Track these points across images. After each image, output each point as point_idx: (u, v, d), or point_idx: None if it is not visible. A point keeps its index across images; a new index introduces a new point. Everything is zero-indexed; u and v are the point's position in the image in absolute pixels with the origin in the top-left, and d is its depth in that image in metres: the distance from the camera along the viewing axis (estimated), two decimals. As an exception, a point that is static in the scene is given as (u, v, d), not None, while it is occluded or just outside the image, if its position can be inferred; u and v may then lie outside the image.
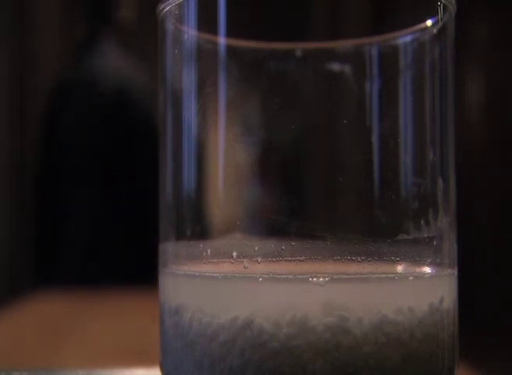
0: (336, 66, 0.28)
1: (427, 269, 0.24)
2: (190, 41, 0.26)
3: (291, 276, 0.22)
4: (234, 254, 0.23)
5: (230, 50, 0.26)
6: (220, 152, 0.25)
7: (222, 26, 0.24)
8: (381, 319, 0.21)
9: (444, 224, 0.24)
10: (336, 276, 0.22)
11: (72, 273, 1.14)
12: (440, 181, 0.24)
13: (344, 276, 0.22)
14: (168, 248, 0.26)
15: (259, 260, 0.23)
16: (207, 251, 0.24)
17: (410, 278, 0.23)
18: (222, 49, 0.25)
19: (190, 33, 0.25)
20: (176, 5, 0.25)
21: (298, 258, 0.23)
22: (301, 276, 0.22)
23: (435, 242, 0.24)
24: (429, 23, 0.25)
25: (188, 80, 0.26)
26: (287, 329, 0.21)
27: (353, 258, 0.23)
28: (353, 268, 0.23)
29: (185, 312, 0.23)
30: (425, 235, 0.24)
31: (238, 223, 0.25)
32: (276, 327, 0.21)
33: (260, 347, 0.21)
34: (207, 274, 0.23)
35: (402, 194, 0.25)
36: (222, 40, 0.25)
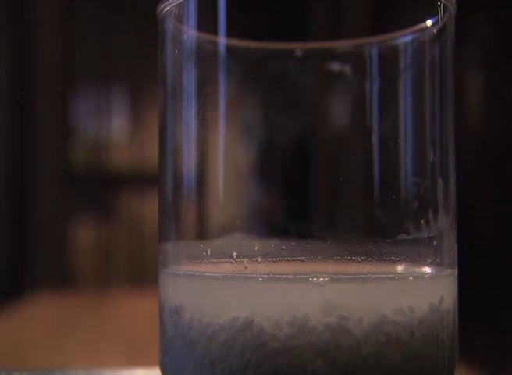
0: (336, 66, 0.28)
1: (427, 269, 0.24)
2: (190, 41, 0.26)
3: (291, 276, 0.22)
4: (234, 254, 0.23)
5: (230, 50, 0.26)
6: (220, 152, 0.25)
7: (222, 26, 0.24)
8: (381, 319, 0.21)
9: (444, 224, 0.24)
10: (335, 276, 0.22)
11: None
12: (440, 181, 0.24)
13: (344, 276, 0.22)
14: (169, 248, 0.26)
15: (259, 260, 0.23)
16: (207, 251, 0.24)
17: (410, 278, 0.23)
18: (222, 49, 0.25)
19: (190, 33, 0.25)
20: (176, 5, 0.25)
21: (298, 258, 0.23)
22: (301, 276, 0.22)
23: (435, 242, 0.24)
24: (429, 23, 0.25)
25: (188, 80, 0.26)
26: (287, 329, 0.21)
27: (353, 258, 0.23)
28: (353, 268, 0.23)
29: (185, 312, 0.23)
30: (425, 235, 0.24)
31: (238, 223, 0.25)
32: (276, 327, 0.21)
33: (260, 347, 0.21)
34: (207, 274, 0.23)
35: (402, 194, 0.25)
36: (222, 40, 0.25)
